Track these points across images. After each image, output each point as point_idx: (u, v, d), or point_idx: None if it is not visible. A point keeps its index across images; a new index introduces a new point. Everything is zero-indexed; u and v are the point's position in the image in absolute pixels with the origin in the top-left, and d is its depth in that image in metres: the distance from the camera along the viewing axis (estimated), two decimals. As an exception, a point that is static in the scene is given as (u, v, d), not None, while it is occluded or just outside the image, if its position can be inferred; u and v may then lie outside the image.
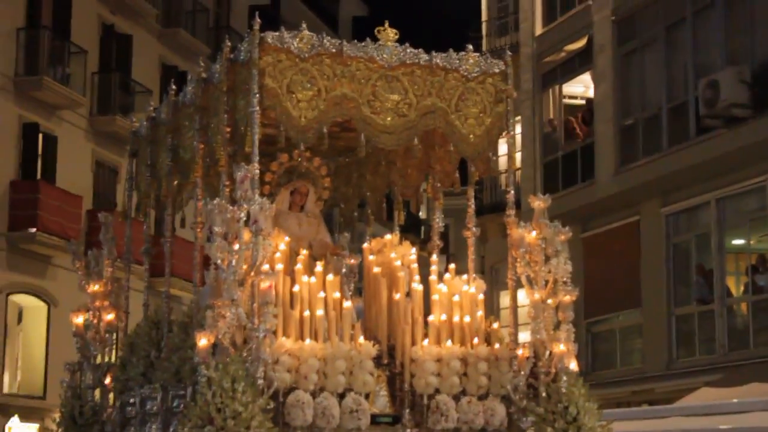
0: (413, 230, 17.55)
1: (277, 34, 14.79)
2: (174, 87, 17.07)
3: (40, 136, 34.32)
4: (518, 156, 22.10)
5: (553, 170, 30.78)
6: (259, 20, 14.84)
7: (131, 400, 16.55)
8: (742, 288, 26.90)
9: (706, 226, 27.52)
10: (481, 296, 15.99)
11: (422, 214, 16.87)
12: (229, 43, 15.36)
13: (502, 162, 17.95)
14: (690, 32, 27.38)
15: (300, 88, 14.58)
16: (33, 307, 34.04)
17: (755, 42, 25.57)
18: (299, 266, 14.76)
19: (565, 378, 15.22)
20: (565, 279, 15.51)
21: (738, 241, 27.74)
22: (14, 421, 31.34)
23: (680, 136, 27.14)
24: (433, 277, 16.12)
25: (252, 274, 13.74)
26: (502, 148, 17.18)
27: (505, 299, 18.46)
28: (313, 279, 14.62)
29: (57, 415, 18.16)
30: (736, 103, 25.23)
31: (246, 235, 13.71)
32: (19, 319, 34.00)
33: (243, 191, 14.03)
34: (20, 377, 33.60)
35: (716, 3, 26.71)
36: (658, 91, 28.10)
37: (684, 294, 27.78)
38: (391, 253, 15.99)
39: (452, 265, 16.66)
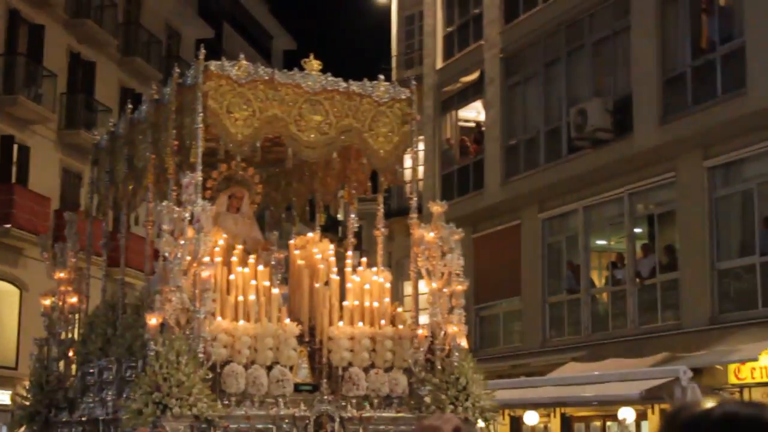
0: (332, 230, 17.51)
1: (219, 63, 14.80)
2: (130, 106, 17.03)
3: (15, 146, 34.00)
4: (420, 169, 22.18)
5: (450, 181, 30.87)
6: (204, 51, 14.91)
7: (90, 371, 16.42)
8: (603, 280, 27.15)
9: (575, 229, 27.69)
10: (387, 285, 16.01)
11: (340, 216, 16.82)
12: (178, 70, 15.30)
13: (407, 173, 17.94)
14: (564, 69, 27.54)
15: (237, 109, 14.55)
16: (7, 291, 33.71)
17: (617, 78, 25.81)
18: (235, 259, 14.74)
19: (456, 354, 15.29)
20: (457, 272, 15.59)
21: (600, 242, 27.96)
22: (-7, 387, 31.06)
23: (554, 155, 27.29)
24: (347, 269, 16.15)
25: (194, 265, 13.70)
26: (407, 161, 17.24)
27: (408, 288, 18.48)
28: (246, 270, 14.60)
29: (27, 383, 18.00)
30: (601, 127, 25.42)
31: (189, 232, 13.66)
32: (-6, 302, 33.72)
33: (188, 195, 14.01)
34: (-2, 348, 33.30)
35: (585, 45, 26.89)
36: (536, 117, 28.24)
37: (556, 285, 27.95)
38: (313, 249, 15.99)
39: (364, 259, 16.68)
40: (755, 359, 21.48)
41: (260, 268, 14.86)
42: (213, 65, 14.63)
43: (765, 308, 22.01)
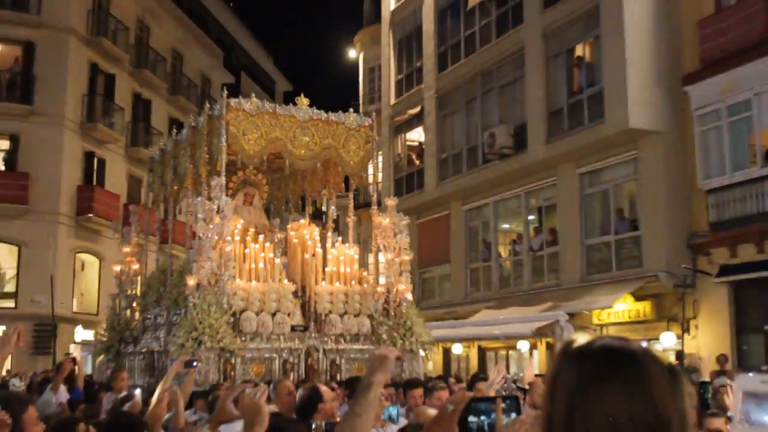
0: (317, 217, 17.52)
1: (237, 100, 14.80)
2: (175, 131, 17.06)
3: (95, 159, 33.99)
4: (380, 174, 22.22)
5: (400, 183, 30.86)
6: (226, 92, 15.00)
7: (148, 316, 16.43)
8: (507, 252, 27.15)
9: (488, 217, 27.69)
10: (356, 257, 16.02)
11: (323, 208, 16.90)
12: (208, 105, 15.27)
13: (370, 177, 17.93)
14: (479, 104, 27.50)
15: (250, 132, 14.54)
16: (90, 261, 33.73)
17: (516, 111, 25.79)
18: (249, 238, 14.69)
19: (404, 304, 15.34)
20: (405, 247, 15.61)
21: (505, 226, 27.95)
22: (79, 328, 30.89)
23: (473, 165, 27.25)
24: (328, 245, 16.14)
25: (220, 242, 13.66)
26: (370, 169, 17.23)
27: (371, 258, 18.58)
28: (257, 245, 14.55)
29: (104, 325, 18.01)
30: (505, 145, 25.40)
31: (217, 219, 13.62)
32: (82, 268, 33.68)
33: (215, 193, 14.01)
34: (83, 302, 33.25)
35: (494, 88, 26.89)
36: (460, 138, 28.19)
37: (474, 256, 27.93)
38: (304, 231, 15.97)
39: (340, 238, 16.68)
40: (610, 306, 21.75)
41: (267, 244, 14.85)
42: (233, 102, 14.62)
43: (617, 271, 22.22)
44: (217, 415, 4.61)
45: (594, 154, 23.06)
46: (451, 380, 13.57)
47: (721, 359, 18.04)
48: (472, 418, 2.57)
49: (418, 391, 8.90)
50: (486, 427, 2.59)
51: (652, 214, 21.46)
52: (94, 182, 33.92)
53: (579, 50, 24.07)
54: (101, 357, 17.64)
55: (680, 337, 20.39)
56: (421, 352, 15.79)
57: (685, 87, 21.27)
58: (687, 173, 21.24)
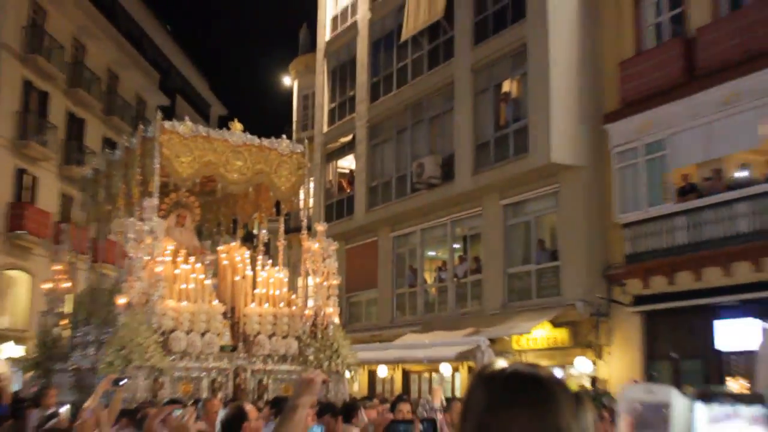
0: (248, 240, 17.44)
1: (171, 122, 14.75)
2: (109, 151, 16.92)
3: (28, 176, 33.43)
4: (311, 200, 22.04)
5: (331, 209, 30.78)
6: (161, 114, 14.92)
7: (78, 334, 16.20)
8: (432, 279, 27.29)
9: (414, 244, 27.85)
10: (285, 280, 16.02)
11: (255, 231, 16.82)
12: (143, 127, 15.17)
13: (301, 203, 17.93)
14: (410, 135, 27.70)
15: (183, 155, 14.50)
16: (20, 277, 33.06)
17: (444, 142, 26.02)
18: (180, 259, 14.60)
19: (331, 327, 15.38)
20: (333, 271, 15.69)
21: (431, 253, 28.11)
22: (10, 344, 30.31)
23: (401, 193, 27.39)
24: (258, 268, 16.12)
25: (151, 262, 13.58)
26: (301, 195, 17.29)
27: (300, 282, 18.54)
28: (188, 266, 14.47)
29: (34, 342, 17.78)
30: (433, 176, 25.61)
31: (148, 239, 13.55)
32: (8, 285, 33.03)
33: (147, 214, 13.90)
34: (14, 318, 32.56)
35: (424, 119, 27.11)
36: (390, 167, 28.36)
37: (401, 281, 28.01)
38: (234, 253, 15.93)
39: (270, 261, 16.66)
40: (529, 332, 22.06)
41: (198, 266, 14.77)
42: (167, 124, 14.58)
43: (537, 299, 22.54)
44: None
45: (518, 186, 23.40)
46: (375, 401, 13.67)
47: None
48: None
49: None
50: None
51: (571, 246, 21.84)
52: (26, 199, 33.34)
53: (506, 86, 24.46)
54: (30, 373, 17.35)
55: (594, 363, 20.81)
56: (347, 374, 15.86)
57: (605, 125, 21.71)
58: (604, 207, 21.64)
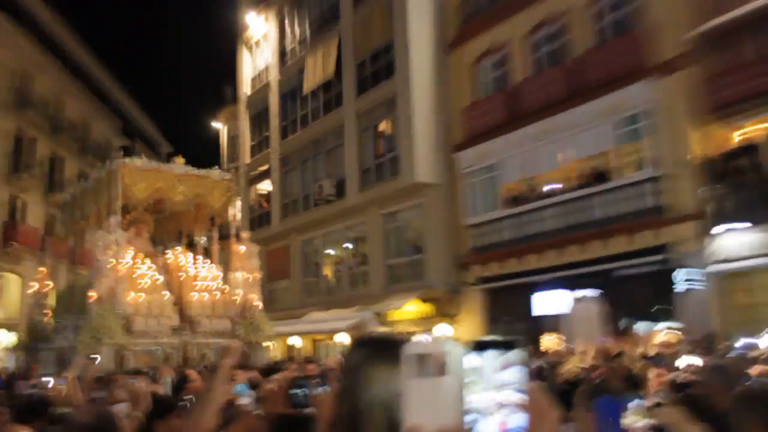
0: (191, 246, 17.22)
1: (130, 159, 14.61)
2: (83, 181, 16.53)
3: (19, 201, 32.25)
4: (238, 214, 21.68)
5: (253, 221, 30.35)
6: (122, 153, 14.77)
7: (59, 321, 15.80)
8: (331, 270, 27.13)
9: (317, 246, 27.67)
10: (219, 275, 15.98)
11: (195, 239, 16.60)
12: (108, 162, 14.96)
13: (231, 217, 17.78)
14: (312, 164, 27.59)
15: (139, 183, 14.37)
16: (14, 278, 31.72)
17: (338, 169, 25.96)
18: (138, 261, 14.45)
19: (255, 309, 15.43)
20: (256, 267, 15.74)
21: (330, 251, 27.88)
22: (3, 331, 28.90)
23: (307, 207, 27.23)
24: (199, 266, 16.02)
25: (116, 264, 13.42)
26: (231, 211, 17.15)
27: (231, 276, 18.45)
28: (144, 267, 14.35)
29: (24, 327, 17.20)
30: (330, 194, 25.61)
31: (113, 247, 13.40)
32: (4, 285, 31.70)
33: (112, 227, 13.73)
34: (7, 311, 31.13)
35: (322, 152, 27.04)
36: (298, 189, 28.20)
37: (308, 273, 27.85)
38: (180, 256, 15.81)
39: (207, 261, 16.56)
40: (402, 307, 22.21)
41: (152, 266, 14.66)
42: (126, 160, 14.47)
43: (408, 283, 22.68)
44: (108, 398, 4.60)
45: (392, 200, 23.65)
46: (294, 364, 13.72)
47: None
48: (295, 391, 2.68)
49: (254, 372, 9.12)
50: (303, 398, 2.73)
51: (432, 242, 22.24)
52: (18, 219, 32.33)
53: (382, 126, 24.68)
54: (19, 354, 16.84)
55: (451, 328, 21.23)
56: (268, 344, 15.91)
57: (455, 153, 22.09)
58: (456, 213, 21.99)
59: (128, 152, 18.29)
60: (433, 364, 1.05)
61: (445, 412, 1.02)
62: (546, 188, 20.03)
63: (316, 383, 5.99)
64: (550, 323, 18.91)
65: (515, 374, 1.05)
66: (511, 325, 20.38)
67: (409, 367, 1.06)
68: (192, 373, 7.39)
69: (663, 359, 10.34)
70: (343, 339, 22.94)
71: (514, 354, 1.07)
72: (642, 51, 17.48)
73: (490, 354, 1.07)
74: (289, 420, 4.14)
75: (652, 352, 11.92)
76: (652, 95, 17.14)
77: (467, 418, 1.04)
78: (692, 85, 16.86)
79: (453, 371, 1.04)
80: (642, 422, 4.87)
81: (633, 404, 5.08)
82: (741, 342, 12.80)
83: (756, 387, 3.15)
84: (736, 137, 16.70)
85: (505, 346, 1.08)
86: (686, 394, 4.49)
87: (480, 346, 1.08)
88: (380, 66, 24.35)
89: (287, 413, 4.20)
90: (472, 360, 1.07)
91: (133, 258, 14.57)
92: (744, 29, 16.60)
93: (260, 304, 16.06)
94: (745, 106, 16.25)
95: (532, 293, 19.64)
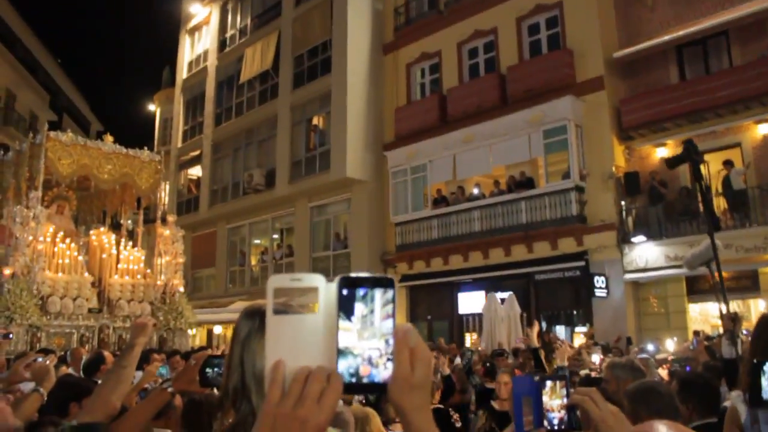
0: (115, 227, 16.32)
1: (55, 132, 13.69)
2: (1, 152, 15.43)
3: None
4: (166, 198, 20.80)
5: (181, 205, 29.41)
6: (47, 126, 13.80)
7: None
8: (257, 260, 26.74)
9: (244, 234, 27.16)
10: (143, 258, 15.23)
11: (120, 220, 15.72)
12: (32, 134, 14.00)
13: (158, 200, 17.02)
14: (243, 152, 27.07)
15: (64, 158, 13.48)
16: None
17: (269, 159, 25.52)
18: (58, 240, 13.56)
19: (178, 295, 14.78)
20: (180, 252, 15.10)
21: (257, 241, 27.47)
22: None
23: (235, 195, 26.69)
24: (122, 248, 15.21)
25: (34, 241, 12.54)
26: (158, 193, 16.43)
27: (155, 260, 17.62)
28: (64, 246, 13.47)
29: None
30: (260, 183, 25.20)
31: (32, 223, 12.50)
32: None
33: (32, 203, 12.82)
34: None
35: (254, 141, 26.54)
36: (228, 176, 27.55)
37: (233, 262, 27.26)
38: (103, 237, 14.96)
39: (131, 243, 15.80)
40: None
41: (73, 245, 13.78)
42: (52, 134, 13.55)
43: (334, 277, 22.19)
44: (10, 377, 4.18)
45: (321, 193, 23.38)
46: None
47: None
48: (208, 370, 2.59)
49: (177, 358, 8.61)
50: (217, 376, 2.60)
51: (359, 238, 22.03)
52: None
53: (315, 120, 24.39)
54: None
55: (373, 323, 20.99)
56: (190, 331, 15.29)
57: (385, 152, 22.02)
58: (383, 210, 21.96)
59: (55, 127, 17.22)
60: (300, 301, 0.99)
61: (312, 352, 0.95)
62: (474, 191, 20.13)
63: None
64: (473, 323, 19.00)
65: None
66: (432, 322, 20.42)
67: (273, 303, 0.96)
68: (107, 354, 6.80)
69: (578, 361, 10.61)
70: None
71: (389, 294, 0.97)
72: (567, 68, 17.89)
73: (378, 301, 0.97)
74: (199, 404, 3.75)
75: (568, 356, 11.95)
76: (577, 110, 17.47)
77: (347, 362, 0.95)
78: (612, 104, 17.36)
79: (325, 309, 0.97)
80: (558, 401, 4.93)
81: (549, 383, 5.10)
82: (650, 346, 13.18)
83: (648, 383, 3.48)
84: (657, 154, 17.08)
85: (379, 283, 0.98)
86: (599, 387, 4.62)
87: (350, 283, 0.98)
88: (317, 62, 23.99)
89: (198, 398, 3.82)
90: (360, 308, 0.97)
91: (53, 236, 13.66)
92: (657, 57, 17.34)
93: (183, 291, 15.40)
94: (661, 126, 16.74)
95: (455, 293, 19.73)
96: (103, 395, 2.66)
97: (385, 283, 0.98)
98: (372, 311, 0.99)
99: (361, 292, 0.99)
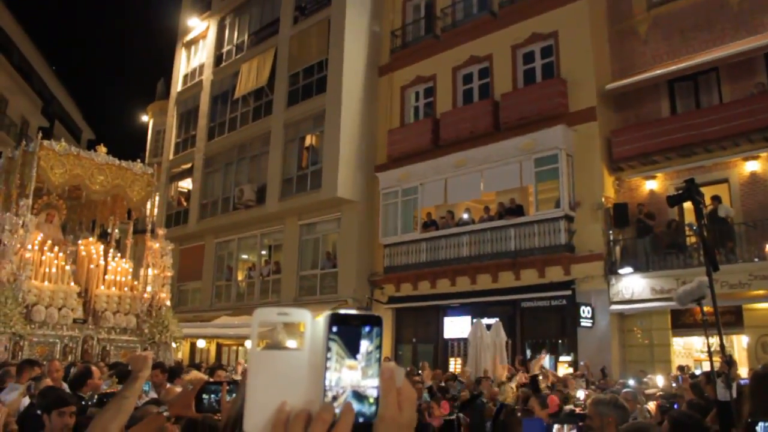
0: (104, 237, 16.14)
1: (48, 141, 13.61)
2: (-8, 159, 15.32)
3: None
4: (156, 210, 20.73)
5: (170, 218, 29.30)
6: (40, 134, 13.70)
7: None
8: (244, 276, 26.63)
9: (232, 249, 27.03)
10: (130, 269, 15.10)
11: (109, 230, 15.58)
12: (24, 142, 13.92)
13: (148, 211, 16.94)
14: (235, 167, 27.03)
15: (56, 168, 13.40)
16: None
17: (260, 175, 25.53)
18: (46, 248, 13.44)
19: (164, 308, 14.65)
20: (168, 265, 14.99)
21: (244, 256, 27.40)
22: None
23: (225, 210, 26.62)
24: (110, 259, 15.09)
25: (21, 249, 12.43)
26: (149, 205, 16.34)
27: (142, 272, 17.50)
28: (52, 255, 13.36)
29: None
30: (250, 199, 25.11)
31: (20, 231, 12.40)
32: None
33: (22, 211, 12.72)
34: None
35: (246, 157, 26.55)
36: (218, 190, 27.49)
37: (220, 276, 27.09)
38: (91, 247, 14.84)
39: (119, 254, 15.66)
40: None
41: (60, 254, 13.67)
42: (45, 142, 13.46)
43: (320, 295, 22.45)
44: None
45: (311, 212, 23.35)
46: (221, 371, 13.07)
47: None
48: (204, 396, 2.57)
49: (156, 372, 8.49)
50: (215, 403, 2.59)
51: (347, 258, 21.99)
52: None
53: (308, 139, 24.42)
54: None
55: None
56: (173, 344, 15.15)
57: (376, 173, 22.06)
58: (372, 231, 21.97)
59: (46, 133, 17.09)
60: (285, 336, 0.96)
61: (295, 389, 0.90)
62: (463, 216, 20.18)
63: (229, 389, 5.55)
64: (458, 347, 18.96)
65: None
66: (417, 346, 20.36)
67: (257, 338, 0.92)
68: (95, 369, 6.76)
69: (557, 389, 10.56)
70: (250, 345, 22.31)
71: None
72: (560, 98, 18.05)
73: (376, 339, 0.94)
74: (196, 424, 3.73)
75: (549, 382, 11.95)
76: (569, 139, 17.59)
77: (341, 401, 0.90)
78: (603, 135, 17.52)
79: (311, 346, 0.92)
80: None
81: (556, 427, 5.20)
82: (632, 380, 13.13)
83: (641, 424, 3.46)
84: (646, 186, 17.20)
85: (368, 321, 0.93)
86: (583, 424, 4.67)
87: (339, 320, 0.93)
88: (313, 80, 24.10)
89: (196, 418, 3.79)
90: (365, 345, 0.93)
91: (41, 244, 13.55)
92: (649, 90, 17.57)
93: (169, 304, 15.27)
94: (651, 158, 16.89)
95: (441, 317, 19.69)
96: (102, 423, 2.66)
97: (374, 321, 0.96)
98: (378, 347, 0.96)
99: (366, 329, 0.96)
